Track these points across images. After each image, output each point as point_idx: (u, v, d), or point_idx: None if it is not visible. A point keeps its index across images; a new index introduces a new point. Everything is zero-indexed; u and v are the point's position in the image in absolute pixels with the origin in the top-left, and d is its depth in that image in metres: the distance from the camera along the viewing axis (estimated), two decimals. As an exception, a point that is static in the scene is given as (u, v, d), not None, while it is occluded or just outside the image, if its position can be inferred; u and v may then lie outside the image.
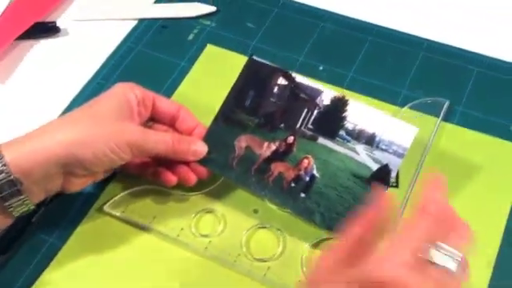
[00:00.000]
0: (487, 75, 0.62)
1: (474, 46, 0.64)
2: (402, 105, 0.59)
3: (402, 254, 0.36)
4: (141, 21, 0.70)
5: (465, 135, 0.58)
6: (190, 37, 0.68)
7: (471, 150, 0.57)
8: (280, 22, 0.69)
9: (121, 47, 0.67)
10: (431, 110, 0.59)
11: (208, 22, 0.69)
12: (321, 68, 0.63)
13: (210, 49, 0.66)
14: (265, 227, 0.53)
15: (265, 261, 0.51)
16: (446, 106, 0.59)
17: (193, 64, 0.65)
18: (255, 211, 0.54)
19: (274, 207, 0.54)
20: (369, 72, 0.63)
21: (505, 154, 0.57)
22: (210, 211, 0.54)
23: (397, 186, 0.54)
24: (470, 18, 0.68)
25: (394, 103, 0.60)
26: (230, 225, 0.54)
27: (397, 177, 0.54)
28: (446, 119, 0.59)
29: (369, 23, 0.67)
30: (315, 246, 0.52)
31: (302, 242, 0.52)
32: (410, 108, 0.60)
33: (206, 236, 0.53)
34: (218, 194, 0.55)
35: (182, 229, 0.53)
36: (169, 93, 0.62)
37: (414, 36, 0.66)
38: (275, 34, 0.67)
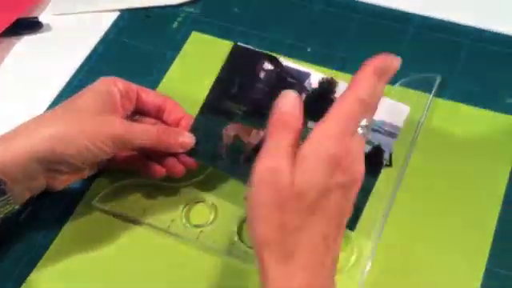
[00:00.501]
0: (479, 47, 0.62)
1: (463, 18, 0.63)
2: (394, 82, 0.58)
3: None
4: (123, 11, 0.69)
5: (459, 110, 0.58)
6: (175, 25, 0.67)
7: (466, 125, 0.56)
8: (266, 4, 0.68)
9: (104, 39, 0.67)
10: (423, 86, 0.58)
11: (192, 9, 0.68)
12: (309, 50, 0.62)
13: (195, 36, 0.65)
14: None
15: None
16: (437, 82, 0.58)
17: (178, 53, 0.64)
18: (245, 199, 0.52)
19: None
20: (358, 52, 0.59)
21: (502, 126, 0.56)
22: (200, 201, 0.54)
23: (390, 165, 0.53)
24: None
25: (386, 80, 0.60)
26: (222, 214, 0.53)
27: (390, 156, 0.53)
28: (438, 95, 0.58)
29: (356, 1, 0.66)
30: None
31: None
32: (402, 85, 0.58)
33: (197, 226, 0.53)
34: (208, 184, 0.55)
35: (172, 220, 0.53)
36: (155, 83, 0.61)
37: (402, 12, 0.65)
38: (261, 17, 0.66)
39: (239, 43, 0.54)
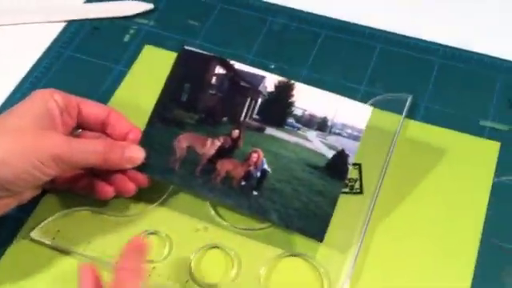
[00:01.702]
0: (450, 66, 0.61)
1: (433, 36, 0.63)
2: (362, 102, 0.55)
3: None
4: (70, 22, 0.67)
5: (431, 132, 0.56)
6: (126, 38, 0.65)
7: (439, 149, 0.55)
8: (225, 17, 0.66)
9: (48, 52, 0.64)
10: (393, 106, 0.57)
11: (145, 21, 0.67)
12: (272, 67, 0.61)
13: (148, 50, 0.63)
14: (216, 247, 0.50)
15: (216, 285, 0.48)
16: (409, 102, 0.57)
17: (130, 67, 0.62)
18: (205, 229, 0.50)
19: (225, 223, 0.50)
20: (323, 69, 0.61)
21: (476, 150, 0.55)
22: (152, 233, 0.51)
23: (361, 192, 0.52)
24: (427, 7, 0.67)
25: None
26: (177, 246, 0.50)
27: (360, 182, 0.52)
28: (409, 116, 0.57)
29: (321, 16, 0.66)
30: (274, 265, 0.48)
31: (258, 261, 0.48)
32: (372, 105, 0.56)
33: (150, 261, 0.49)
34: (160, 212, 0.52)
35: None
36: (105, 100, 0.59)
37: (369, 28, 0.64)
38: (220, 31, 0.65)
39: (187, 46, 0.52)
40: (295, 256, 0.49)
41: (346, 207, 0.50)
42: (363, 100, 0.57)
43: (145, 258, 0.44)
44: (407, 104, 0.57)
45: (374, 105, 0.56)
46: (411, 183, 0.53)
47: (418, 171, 0.53)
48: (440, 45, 0.62)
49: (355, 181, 0.52)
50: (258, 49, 0.63)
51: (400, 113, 0.56)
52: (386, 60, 0.62)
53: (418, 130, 0.56)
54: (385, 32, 0.64)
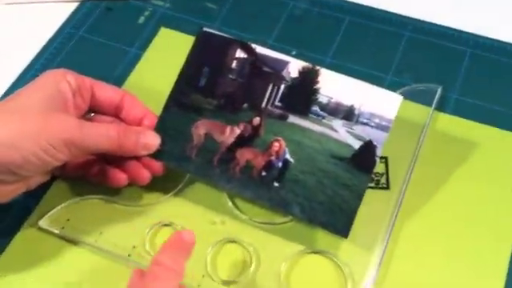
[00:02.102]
0: (482, 56, 0.59)
1: (465, 25, 0.61)
2: None
3: None
4: (82, 2, 0.66)
5: (462, 126, 0.54)
6: (141, 20, 0.64)
7: (470, 143, 0.53)
8: (244, 0, 0.64)
9: (60, 33, 0.63)
10: (422, 98, 0.55)
11: (161, 3, 0.65)
12: (294, 53, 0.59)
13: (164, 33, 0.61)
14: (234, 241, 0.48)
15: (235, 282, 0.46)
16: (438, 93, 0.55)
17: (145, 51, 0.60)
18: (222, 222, 0.49)
19: (243, 216, 0.48)
20: (348, 56, 0.59)
21: (509, 145, 0.52)
22: (167, 224, 0.49)
23: (387, 188, 0.50)
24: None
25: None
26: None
27: (387, 177, 0.50)
28: (439, 108, 0.55)
29: (345, 1, 0.64)
30: (294, 262, 0.46)
31: (278, 258, 0.46)
32: None
33: None
34: (175, 203, 0.50)
35: (134, 247, 0.48)
36: (118, 84, 0.57)
37: (397, 15, 0.62)
38: (240, 14, 0.63)
39: (206, 28, 0.50)
40: (317, 253, 0.47)
41: (372, 203, 0.47)
42: (390, 90, 0.54)
43: (187, 257, 0.41)
44: (437, 95, 0.55)
45: (402, 96, 0.54)
46: (440, 179, 0.50)
47: (447, 166, 0.51)
48: (471, 34, 0.60)
49: (381, 175, 0.50)
50: (278, 34, 0.61)
51: (429, 105, 0.54)
52: (415, 48, 0.60)
53: (448, 123, 0.54)
54: (413, 19, 0.62)
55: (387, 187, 0.50)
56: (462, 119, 0.54)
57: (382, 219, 0.48)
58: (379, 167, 0.51)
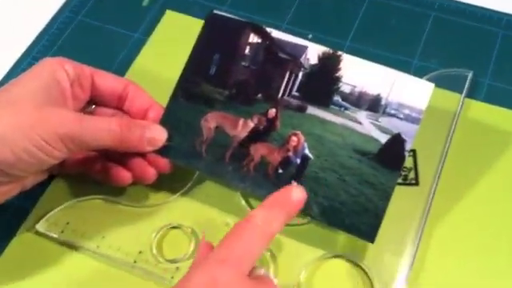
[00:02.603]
0: None
1: (496, 3, 0.58)
2: None
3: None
4: (81, -16, 0.64)
5: (495, 113, 0.51)
6: (145, 2, 0.61)
7: (505, 132, 0.50)
8: (257, -20, 0.62)
9: (57, 18, 0.60)
10: (451, 84, 0.51)
11: (166, -17, 0.63)
12: (310, 36, 0.56)
13: (169, 15, 0.59)
14: None
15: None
16: (469, 79, 0.52)
17: (149, 35, 0.58)
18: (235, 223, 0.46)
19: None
20: (370, 39, 0.56)
21: None
22: (175, 227, 0.46)
23: (417, 184, 0.47)
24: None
25: (404, 77, 0.54)
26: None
27: (416, 172, 0.47)
28: (470, 95, 0.52)
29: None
30: (315, 268, 0.43)
31: (297, 263, 0.44)
32: None
33: (172, 261, 0.45)
34: (184, 203, 0.47)
35: (140, 252, 0.45)
36: (121, 73, 0.55)
37: None
38: None
39: (216, 11, 0.47)
40: (340, 257, 0.44)
41: (400, 200, 0.44)
42: (416, 76, 0.51)
43: (287, 220, 0.38)
44: (467, 81, 0.52)
45: (429, 81, 0.51)
46: (474, 173, 0.47)
47: (481, 158, 0.48)
48: (504, 13, 0.57)
49: (409, 170, 0.47)
50: (292, 16, 0.58)
51: (459, 91, 0.51)
52: (442, 30, 0.56)
53: (481, 110, 0.51)
54: None
55: (416, 183, 0.47)
56: (495, 107, 0.52)
57: (411, 218, 0.45)
58: (407, 161, 0.47)
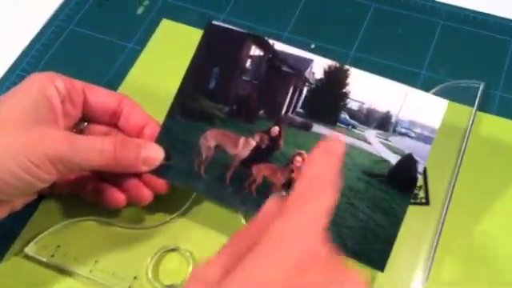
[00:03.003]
0: None
1: (507, 11, 0.55)
2: (424, 90, 0.48)
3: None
4: (74, -9, 0.62)
5: (509, 127, 0.48)
6: (139, 10, 0.59)
7: None
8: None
9: (48, 27, 0.58)
10: (462, 96, 0.49)
11: (162, -8, 0.60)
12: (312, 46, 0.54)
13: (165, 24, 0.57)
14: None
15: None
16: (481, 91, 0.49)
17: (144, 45, 0.56)
18: None
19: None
20: (376, 49, 0.54)
21: None
22: (173, 249, 0.44)
23: (427, 203, 0.45)
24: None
25: (412, 89, 0.51)
26: (201, 266, 0.44)
27: (426, 190, 0.44)
28: (482, 108, 0.49)
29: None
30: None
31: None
32: (435, 95, 0.49)
33: (169, 287, 0.42)
34: (182, 225, 0.45)
35: (135, 278, 0.43)
36: (115, 85, 0.53)
37: (430, 0, 0.57)
38: (250, 3, 0.58)
39: (215, 21, 0.44)
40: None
41: (410, 221, 0.41)
42: (424, 88, 0.50)
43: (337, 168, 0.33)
44: (479, 93, 0.49)
45: (439, 94, 0.49)
46: (488, 191, 0.45)
47: (495, 176, 0.46)
48: None
49: (420, 188, 0.45)
50: (294, 25, 0.56)
51: (471, 104, 0.49)
52: (451, 39, 0.54)
53: (493, 124, 0.49)
54: (448, 5, 0.56)
55: (427, 202, 0.44)
56: (508, 120, 0.49)
57: (422, 239, 0.42)
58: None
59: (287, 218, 0.30)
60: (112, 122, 0.45)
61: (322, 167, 0.32)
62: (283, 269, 0.28)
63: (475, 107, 0.48)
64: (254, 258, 0.29)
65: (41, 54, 0.56)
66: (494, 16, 0.55)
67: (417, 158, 0.40)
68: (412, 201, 0.44)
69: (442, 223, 0.43)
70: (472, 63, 0.52)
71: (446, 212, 0.43)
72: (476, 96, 0.49)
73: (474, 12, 0.56)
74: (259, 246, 0.29)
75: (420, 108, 0.40)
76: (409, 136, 0.41)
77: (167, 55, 0.54)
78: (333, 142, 0.34)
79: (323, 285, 0.29)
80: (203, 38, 0.44)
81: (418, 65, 0.52)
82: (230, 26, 0.44)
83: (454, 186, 0.45)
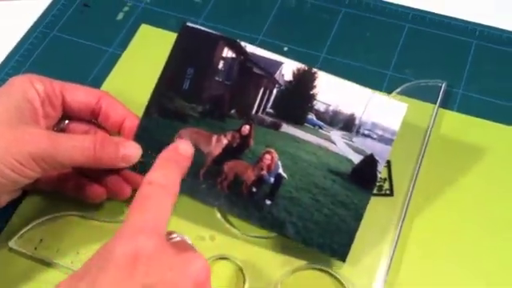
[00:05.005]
0: (489, 49, 0.52)
1: (469, 15, 0.55)
2: (390, 90, 0.49)
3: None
4: (56, -1, 0.59)
5: (469, 124, 0.48)
6: (120, 16, 0.57)
7: (479, 143, 0.46)
8: (232, -7, 0.58)
9: (31, 33, 0.56)
10: (425, 94, 0.48)
11: (141, -2, 0.58)
12: (285, 49, 0.53)
13: (144, 30, 0.55)
14: (225, 258, 0.41)
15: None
16: (443, 89, 0.48)
17: (124, 50, 0.54)
18: (211, 237, 0.42)
19: (235, 231, 0.42)
20: (345, 51, 0.53)
21: None
22: None
23: (391, 195, 0.43)
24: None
25: (378, 88, 0.49)
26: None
27: (390, 182, 0.43)
28: (444, 105, 0.48)
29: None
30: (292, 280, 0.40)
31: (273, 275, 0.40)
32: (400, 93, 0.49)
33: None
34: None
35: None
36: (95, 87, 0.49)
37: (396, 5, 0.55)
38: (227, 8, 0.56)
39: (189, 23, 0.43)
40: (316, 269, 0.40)
41: (375, 211, 0.41)
42: (390, 87, 0.50)
43: (181, 173, 0.36)
44: (441, 92, 0.49)
45: (403, 93, 0.49)
46: (448, 183, 0.44)
47: (455, 169, 0.45)
48: (477, 24, 0.53)
49: (384, 180, 0.43)
50: (268, 28, 0.54)
51: (433, 102, 0.48)
52: (416, 41, 0.53)
53: (454, 121, 0.48)
54: (413, 9, 0.55)
55: (391, 193, 0.43)
56: (468, 117, 0.48)
57: (386, 229, 0.41)
58: (382, 172, 0.43)
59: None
60: (92, 117, 0.43)
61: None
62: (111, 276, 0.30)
63: (437, 104, 0.48)
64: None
65: (24, 59, 0.54)
66: (456, 19, 0.54)
67: (377, 158, 0.39)
68: (377, 192, 0.43)
69: (405, 213, 0.42)
70: (436, 63, 0.52)
71: (408, 202, 0.43)
72: (438, 94, 0.48)
73: (438, 15, 0.55)
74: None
75: (382, 111, 0.39)
76: (371, 137, 0.40)
77: (146, 59, 0.52)
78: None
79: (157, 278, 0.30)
80: (178, 39, 0.42)
81: (384, 66, 0.51)
82: (204, 29, 0.43)
83: (416, 178, 0.44)
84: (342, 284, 0.39)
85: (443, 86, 0.49)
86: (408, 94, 0.48)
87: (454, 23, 0.54)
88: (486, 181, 0.44)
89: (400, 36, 0.53)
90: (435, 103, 0.48)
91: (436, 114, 0.47)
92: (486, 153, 0.46)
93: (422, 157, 0.45)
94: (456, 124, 0.47)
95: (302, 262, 0.41)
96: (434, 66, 0.51)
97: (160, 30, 0.54)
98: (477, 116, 0.48)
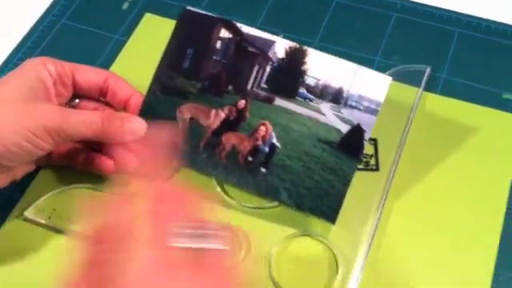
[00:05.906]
0: (471, 36, 0.53)
1: (452, 5, 0.55)
2: None
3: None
4: (65, -12, 0.60)
5: (451, 106, 0.49)
6: (125, 5, 0.58)
7: (460, 123, 0.47)
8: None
9: (41, 21, 0.57)
10: (411, 78, 0.49)
11: (145, -12, 0.59)
12: (281, 36, 0.52)
13: (148, 18, 0.55)
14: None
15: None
16: (427, 74, 0.49)
17: (129, 37, 0.54)
18: (210, 208, 0.42)
19: (232, 202, 0.43)
20: (337, 39, 0.53)
21: (499, 124, 0.47)
22: None
23: (377, 169, 0.44)
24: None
25: (367, 73, 0.51)
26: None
27: (376, 158, 0.45)
28: (428, 88, 0.49)
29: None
30: (285, 245, 0.41)
31: (268, 242, 0.41)
32: None
33: None
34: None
35: None
36: None
37: None
38: None
39: (189, 7, 0.44)
40: (308, 236, 0.42)
41: (361, 184, 0.42)
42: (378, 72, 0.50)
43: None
44: (425, 76, 0.49)
45: (390, 77, 0.50)
46: (430, 160, 0.45)
47: (437, 147, 0.46)
48: (460, 13, 0.54)
49: (371, 157, 0.45)
50: (265, 17, 0.55)
51: (418, 85, 0.49)
52: (403, 30, 0.54)
53: (437, 103, 0.48)
54: (401, 0, 0.55)
55: (377, 169, 0.44)
56: (450, 99, 0.49)
57: (371, 200, 0.43)
58: (368, 149, 0.45)
59: None
60: (101, 96, 0.45)
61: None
62: None
63: (421, 87, 0.49)
64: None
65: (35, 45, 0.55)
66: (441, 9, 0.55)
67: (364, 128, 0.41)
68: (364, 167, 0.44)
69: (389, 186, 0.43)
70: (421, 50, 0.52)
71: (392, 177, 0.44)
72: (423, 78, 0.49)
73: (424, 5, 0.55)
74: None
75: (367, 84, 0.41)
76: (358, 109, 0.41)
77: (149, 46, 0.52)
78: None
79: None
80: (178, 22, 0.44)
81: (373, 52, 0.52)
82: (203, 12, 0.44)
83: (400, 154, 0.45)
84: (330, 249, 0.41)
85: (427, 70, 0.50)
86: (395, 78, 0.48)
87: (438, 13, 0.55)
88: (467, 157, 0.45)
89: (388, 25, 0.54)
90: (419, 86, 0.49)
91: (420, 95, 0.48)
92: (467, 131, 0.47)
93: (407, 135, 0.46)
94: (438, 105, 0.49)
95: (295, 230, 0.42)
96: (419, 52, 0.52)
97: (163, 18, 0.55)
98: (458, 98, 0.49)
